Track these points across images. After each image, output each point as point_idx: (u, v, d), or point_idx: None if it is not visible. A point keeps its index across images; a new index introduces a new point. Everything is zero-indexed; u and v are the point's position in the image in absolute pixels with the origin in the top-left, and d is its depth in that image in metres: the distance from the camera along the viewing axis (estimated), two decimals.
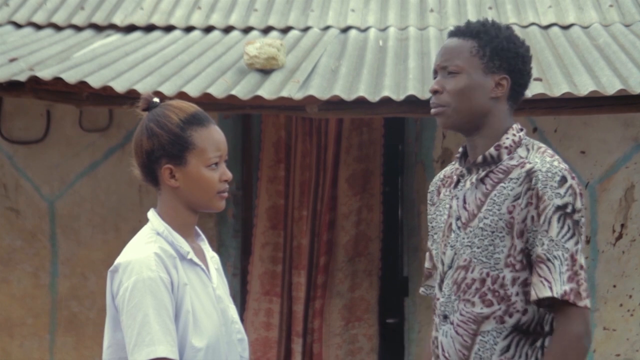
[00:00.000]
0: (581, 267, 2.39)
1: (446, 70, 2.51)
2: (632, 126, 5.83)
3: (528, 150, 2.51)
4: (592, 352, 5.81)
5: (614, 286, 5.81)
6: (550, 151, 2.51)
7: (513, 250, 2.43)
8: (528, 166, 2.44)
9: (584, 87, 4.85)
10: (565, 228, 2.38)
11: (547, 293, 2.37)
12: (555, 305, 2.40)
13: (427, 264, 2.74)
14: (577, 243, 2.39)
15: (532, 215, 2.40)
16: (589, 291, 2.41)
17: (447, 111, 2.51)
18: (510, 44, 2.51)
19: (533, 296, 2.38)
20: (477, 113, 2.50)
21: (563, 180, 2.40)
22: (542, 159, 2.44)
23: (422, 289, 2.77)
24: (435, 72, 2.56)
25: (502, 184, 2.46)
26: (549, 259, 2.37)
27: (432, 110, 2.54)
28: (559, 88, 4.86)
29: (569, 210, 2.38)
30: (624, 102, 4.92)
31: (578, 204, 2.41)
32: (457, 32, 2.55)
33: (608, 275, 5.81)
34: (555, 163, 2.43)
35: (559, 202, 2.38)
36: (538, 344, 2.44)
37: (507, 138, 2.51)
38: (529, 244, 2.41)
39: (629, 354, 5.82)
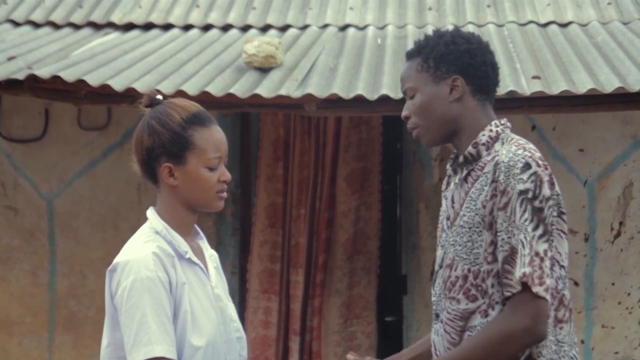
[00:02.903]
0: (537, 254, 2.36)
1: (406, 95, 2.63)
2: (630, 124, 5.83)
3: (502, 143, 2.52)
4: (591, 350, 5.81)
5: (613, 284, 5.82)
6: (522, 141, 2.49)
7: (486, 244, 2.44)
8: (496, 159, 2.45)
9: (583, 85, 4.85)
10: (527, 213, 2.37)
11: (514, 279, 2.36)
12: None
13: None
14: (535, 228, 2.37)
15: (498, 207, 2.40)
16: (545, 282, 2.36)
17: (420, 132, 2.59)
18: (451, 45, 2.55)
19: (515, 287, 2.36)
20: (445, 121, 2.55)
21: (526, 166, 2.39)
22: (508, 149, 2.45)
23: None
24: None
25: (478, 180, 2.48)
26: (515, 247, 2.38)
27: (413, 135, 2.63)
28: (557, 86, 4.86)
29: (529, 195, 2.38)
30: (622, 99, 4.93)
31: (542, 191, 2.39)
32: (408, 55, 2.65)
33: (606, 273, 5.82)
34: (520, 151, 2.42)
35: (521, 187, 2.38)
36: None
37: (484, 135, 2.53)
38: (496, 236, 2.42)
39: (628, 352, 5.82)
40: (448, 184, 2.61)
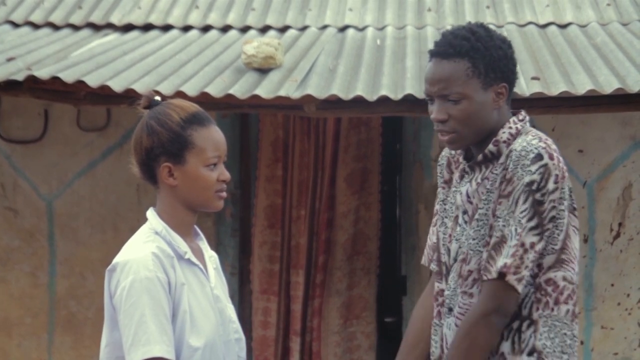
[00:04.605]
0: (522, 245, 2.35)
1: (446, 98, 2.45)
2: (629, 125, 5.84)
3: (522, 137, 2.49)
4: (590, 351, 5.81)
5: (612, 285, 5.82)
6: (540, 134, 2.47)
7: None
8: (510, 147, 2.43)
9: (582, 86, 4.85)
10: (526, 204, 2.36)
11: (495, 268, 2.37)
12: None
13: (435, 239, 2.66)
14: (530, 220, 2.36)
15: (501, 194, 2.39)
16: (521, 272, 2.36)
17: (455, 137, 2.48)
18: (499, 51, 2.47)
19: (492, 274, 2.38)
20: (485, 129, 2.48)
21: (537, 157, 2.37)
22: (523, 139, 2.42)
23: (432, 265, 2.67)
24: (430, 96, 2.50)
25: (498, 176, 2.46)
26: (506, 236, 2.37)
27: (444, 138, 2.49)
28: (556, 87, 4.87)
29: (534, 187, 2.36)
30: (621, 100, 4.93)
31: (547, 184, 2.37)
32: (444, 54, 2.48)
33: (606, 274, 5.82)
34: (534, 141, 2.40)
35: (527, 179, 2.36)
36: (514, 325, 2.43)
37: (504, 132, 2.48)
38: (495, 221, 2.41)
39: (627, 353, 5.83)
40: (462, 177, 2.54)
